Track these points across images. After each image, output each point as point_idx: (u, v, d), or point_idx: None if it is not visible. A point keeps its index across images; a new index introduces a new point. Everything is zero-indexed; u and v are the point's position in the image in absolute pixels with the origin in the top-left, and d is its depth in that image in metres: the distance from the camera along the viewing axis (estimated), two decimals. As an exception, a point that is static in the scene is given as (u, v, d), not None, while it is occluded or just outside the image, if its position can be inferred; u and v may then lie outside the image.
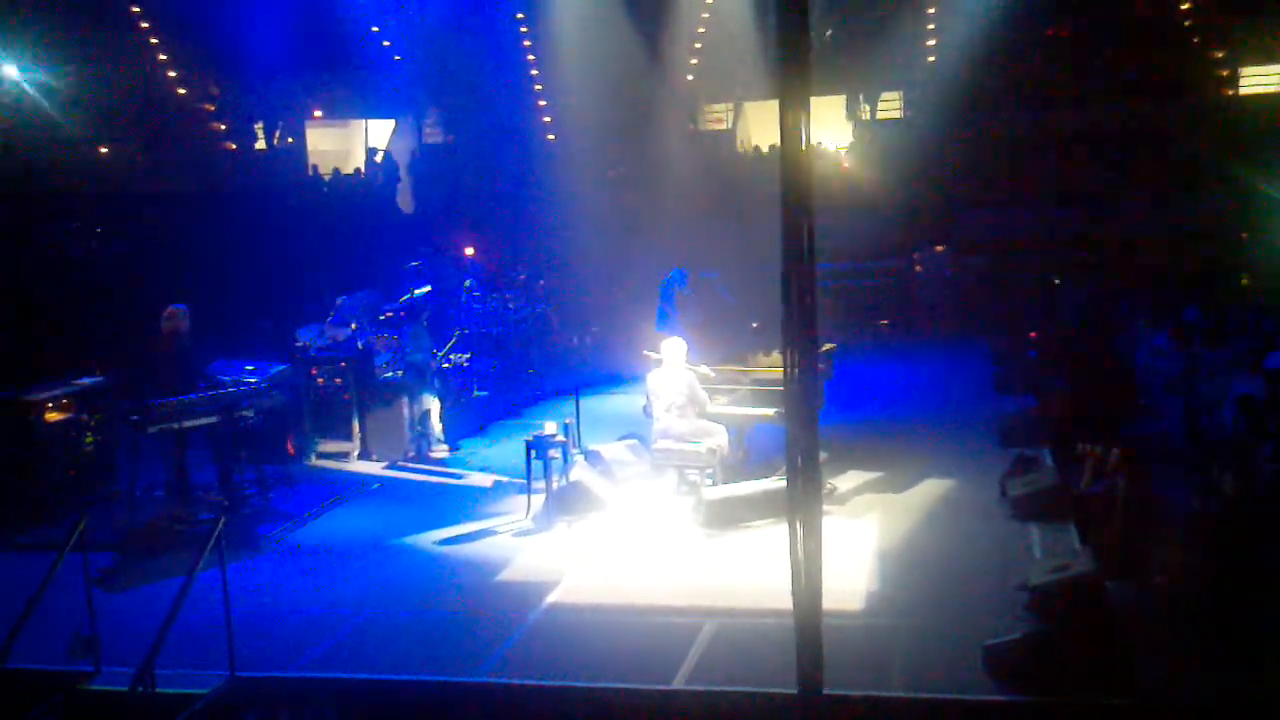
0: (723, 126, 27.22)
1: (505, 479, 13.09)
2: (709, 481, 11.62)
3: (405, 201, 26.42)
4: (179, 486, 11.98)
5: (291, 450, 14.08)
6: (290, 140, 26.60)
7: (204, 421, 11.69)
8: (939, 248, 22.62)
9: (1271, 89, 24.52)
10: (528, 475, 11.73)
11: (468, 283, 17.75)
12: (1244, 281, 18.87)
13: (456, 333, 15.77)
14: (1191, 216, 21.58)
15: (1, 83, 20.21)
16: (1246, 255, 19.90)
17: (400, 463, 14.10)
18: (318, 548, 11.13)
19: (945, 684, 7.72)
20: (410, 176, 26.56)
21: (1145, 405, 14.84)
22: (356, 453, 14.29)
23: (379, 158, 26.66)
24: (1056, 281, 20.76)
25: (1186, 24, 24.35)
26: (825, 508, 7.09)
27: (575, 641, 8.74)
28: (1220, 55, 24.28)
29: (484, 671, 8.30)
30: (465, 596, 9.79)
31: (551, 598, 9.62)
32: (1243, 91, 24.56)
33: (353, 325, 15.29)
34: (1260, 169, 21.03)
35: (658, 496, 12.01)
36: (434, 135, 27.91)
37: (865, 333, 21.01)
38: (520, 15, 25.09)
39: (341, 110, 27.78)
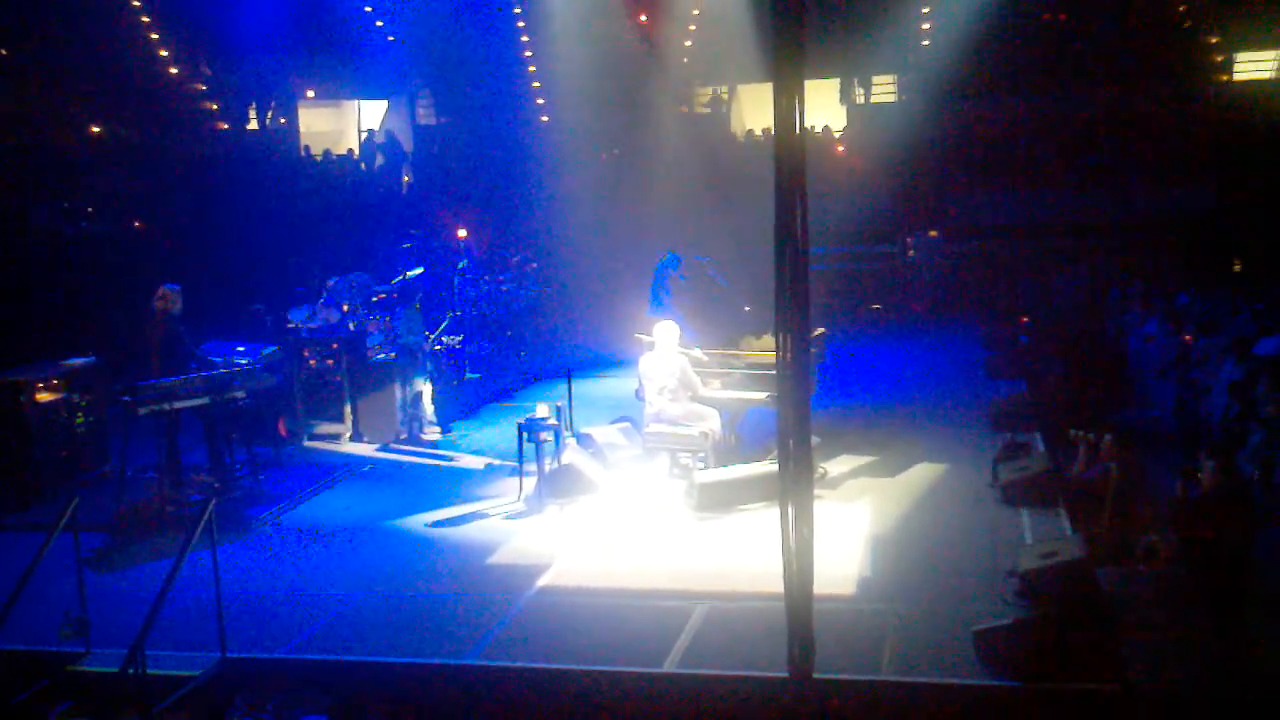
0: (708, 109, 27.16)
1: (497, 462, 13.09)
2: (701, 465, 11.62)
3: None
4: (170, 468, 11.95)
5: (283, 432, 14.05)
6: (283, 120, 26.49)
7: (195, 403, 11.64)
8: (932, 232, 22.65)
9: (1265, 75, 24.54)
10: (519, 458, 11.74)
11: (462, 263, 17.72)
12: (1236, 268, 18.92)
13: (449, 315, 15.75)
14: (1185, 202, 21.61)
15: None
16: (1239, 241, 19.94)
17: (392, 445, 14.09)
18: (309, 530, 11.13)
19: (935, 668, 7.74)
20: (405, 158, 26.54)
21: (1137, 391, 14.89)
22: (348, 435, 14.27)
23: (378, 139, 26.56)
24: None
25: (1181, 9, 24.35)
26: (817, 492, 7.09)
27: (566, 624, 8.74)
28: (1214, 42, 24.28)
29: (475, 654, 8.31)
30: (456, 579, 9.79)
31: (543, 580, 9.63)
32: (1236, 78, 24.58)
33: (345, 307, 15.26)
34: (1253, 155, 21.07)
35: (650, 480, 12.01)
36: (427, 117, 27.83)
37: (858, 317, 21.03)
38: (514, -4, 25.02)
39: (334, 91, 27.67)
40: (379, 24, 24.79)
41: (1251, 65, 24.74)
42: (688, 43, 25.31)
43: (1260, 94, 23.60)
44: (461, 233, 20.55)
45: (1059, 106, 23.47)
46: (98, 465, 12.90)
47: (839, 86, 26.13)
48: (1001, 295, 20.86)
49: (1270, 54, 24.53)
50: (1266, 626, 8.14)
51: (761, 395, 12.17)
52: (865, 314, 21.48)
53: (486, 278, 18.16)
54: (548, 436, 11.68)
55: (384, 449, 13.99)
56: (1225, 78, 24.46)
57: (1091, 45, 24.04)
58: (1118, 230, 21.50)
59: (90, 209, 20.94)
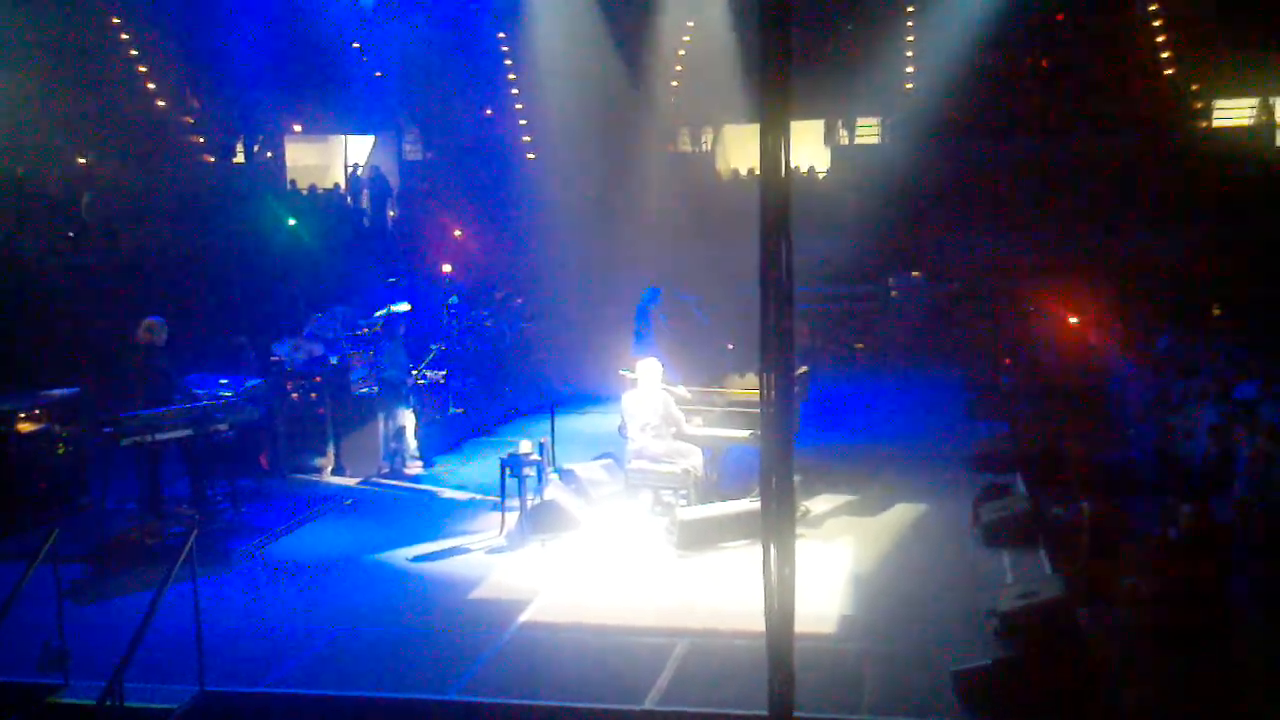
0: (692, 148, 27.31)
1: (479, 497, 13.08)
2: (683, 502, 11.64)
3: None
4: (151, 500, 11.92)
5: (265, 465, 14.03)
6: (269, 154, 26.57)
7: (178, 435, 11.64)
8: (915, 273, 22.75)
9: (1243, 122, 24.84)
10: (502, 493, 11.74)
11: (453, 298, 17.79)
12: (1215, 312, 19.05)
13: (433, 349, 15.78)
14: (1164, 246, 21.78)
15: None
16: (1218, 286, 20.09)
17: (374, 479, 14.08)
18: (290, 563, 11.09)
19: (915, 708, 7.75)
20: (391, 193, 26.62)
21: (1117, 433, 14.95)
22: (330, 468, 14.25)
23: (362, 172, 26.63)
24: (1032, 309, 20.90)
25: (1163, 56, 24.65)
26: (798, 530, 7.11)
27: (548, 660, 8.73)
28: (1194, 88, 24.57)
29: (455, 690, 8.29)
30: (438, 614, 9.77)
31: (524, 616, 9.62)
32: (1215, 124, 24.86)
33: (330, 336, 15.27)
34: (1230, 200, 21.28)
35: (632, 516, 12.01)
36: (414, 152, 27.95)
37: (840, 356, 21.09)
38: (501, 35, 25.20)
39: (321, 125, 27.78)
40: (365, 59, 24.94)
41: (1230, 112, 25.04)
42: (674, 82, 25.50)
43: (1239, 141, 23.87)
44: (446, 268, 20.62)
45: (1041, 150, 23.67)
46: (78, 496, 12.83)
47: (823, 128, 26.32)
48: (983, 336, 20.94)
49: (1248, 101, 24.84)
50: (1243, 667, 8.19)
51: (744, 433, 12.22)
52: (848, 353, 21.53)
53: (471, 313, 18.21)
54: (530, 472, 11.70)
55: (366, 483, 13.98)
56: (1204, 124, 24.73)
57: (1073, 90, 24.30)
58: (1098, 273, 21.64)
59: (75, 238, 20.92)
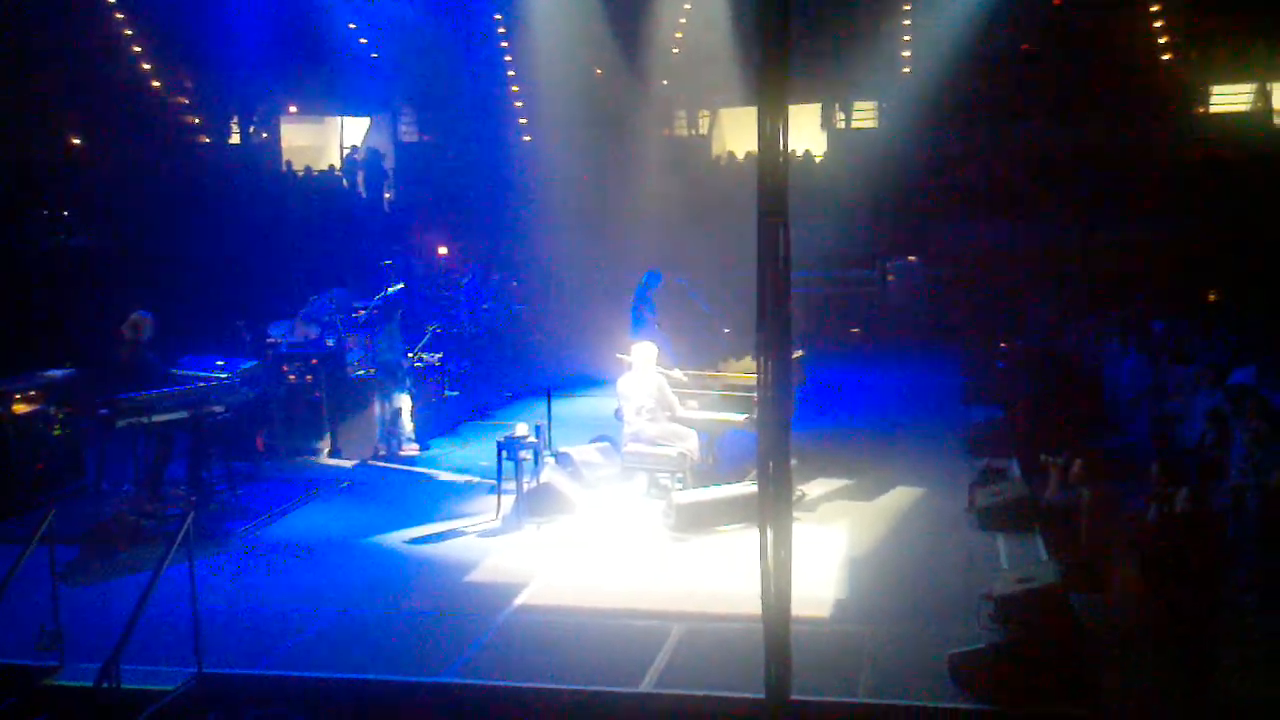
0: (689, 132, 27.24)
1: (476, 479, 13.10)
2: (679, 485, 11.66)
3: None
4: (148, 481, 11.91)
5: (261, 447, 14.02)
6: (264, 135, 26.43)
7: (174, 417, 11.60)
8: (911, 258, 22.74)
9: (1241, 107, 24.80)
10: (498, 476, 11.74)
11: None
12: (1211, 298, 19.06)
13: (429, 330, 15.75)
14: (1160, 232, 21.78)
15: None
16: (1214, 271, 20.10)
17: (370, 461, 14.07)
18: (286, 545, 11.09)
19: (910, 691, 7.77)
20: (387, 175, 26.56)
21: (1112, 418, 14.97)
22: (327, 450, 14.24)
23: (360, 155, 26.53)
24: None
25: (1160, 40, 24.60)
26: (794, 514, 7.12)
27: (543, 643, 8.75)
28: (1191, 73, 24.50)
29: (451, 672, 8.30)
30: (434, 596, 9.78)
31: (520, 599, 9.63)
32: (1213, 110, 24.82)
33: (326, 318, 15.25)
34: (1228, 186, 21.28)
35: (628, 499, 12.04)
36: (410, 134, 27.85)
37: (836, 340, 21.08)
38: (498, 16, 25.09)
39: (317, 106, 27.66)
40: (363, 41, 24.83)
41: (1229, 98, 25.00)
42: (670, 65, 25.41)
43: (1237, 126, 23.84)
44: (442, 250, 20.58)
45: (1038, 134, 23.63)
46: (75, 478, 12.80)
47: (820, 111, 26.24)
48: (979, 321, 20.95)
49: (1246, 87, 24.80)
50: (1235, 652, 8.22)
51: (740, 417, 12.23)
52: (844, 338, 21.53)
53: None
54: (526, 455, 11.70)
55: (362, 465, 13.97)
56: (1202, 109, 24.68)
57: (1070, 75, 24.24)
58: (1094, 258, 21.65)
59: (69, 219, 20.85)
